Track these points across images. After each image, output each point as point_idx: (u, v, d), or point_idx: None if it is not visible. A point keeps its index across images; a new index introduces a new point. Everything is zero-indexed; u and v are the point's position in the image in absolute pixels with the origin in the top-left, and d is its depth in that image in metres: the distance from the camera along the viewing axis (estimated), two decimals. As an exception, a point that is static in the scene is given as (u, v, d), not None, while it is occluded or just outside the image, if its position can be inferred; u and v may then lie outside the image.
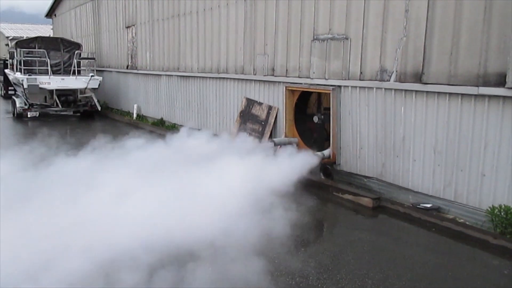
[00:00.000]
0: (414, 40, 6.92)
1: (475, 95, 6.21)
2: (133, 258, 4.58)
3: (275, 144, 8.99)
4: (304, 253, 5.33)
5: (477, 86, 6.14)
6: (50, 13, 27.35)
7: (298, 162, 7.83)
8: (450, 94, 6.51)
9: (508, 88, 5.81)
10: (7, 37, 44.13)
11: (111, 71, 19.46)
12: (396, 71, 7.23)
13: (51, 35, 24.30)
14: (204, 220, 5.38)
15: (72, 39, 20.81)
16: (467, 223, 6.35)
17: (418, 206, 6.92)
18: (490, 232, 5.83)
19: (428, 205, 6.87)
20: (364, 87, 7.79)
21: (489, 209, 6.05)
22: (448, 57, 6.49)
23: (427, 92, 6.81)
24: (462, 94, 6.36)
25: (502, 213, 5.90)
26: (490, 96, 6.04)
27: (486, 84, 6.06)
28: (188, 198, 5.73)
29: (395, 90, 7.28)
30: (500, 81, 5.91)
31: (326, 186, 8.08)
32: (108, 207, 5.32)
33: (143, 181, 6.09)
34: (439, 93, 6.65)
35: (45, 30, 39.38)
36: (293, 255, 5.22)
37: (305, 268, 4.90)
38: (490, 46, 6.00)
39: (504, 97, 5.89)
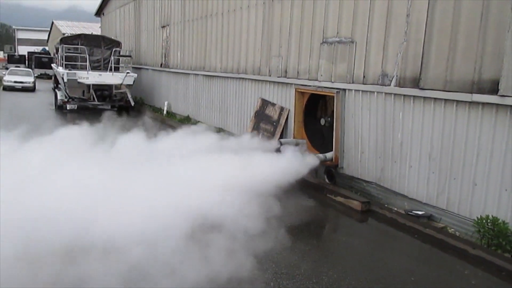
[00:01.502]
0: (414, 45, 6.84)
1: (469, 102, 6.07)
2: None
3: (281, 144, 9.07)
4: (274, 251, 5.28)
5: (471, 93, 6.01)
6: (99, 12, 28.75)
7: (297, 162, 7.89)
8: (446, 100, 6.40)
9: (501, 96, 5.66)
10: (63, 34, 46.64)
11: (147, 69, 20.20)
12: (397, 76, 7.17)
13: (94, 33, 25.40)
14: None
15: (115, 37, 21.78)
16: (457, 233, 6.22)
17: (410, 213, 6.81)
18: (470, 242, 5.67)
19: (420, 213, 6.76)
20: (367, 91, 7.75)
21: (476, 219, 5.89)
22: (445, 62, 6.38)
23: (424, 97, 6.72)
24: (457, 101, 6.24)
25: (489, 224, 5.73)
26: (484, 104, 5.90)
27: (480, 91, 5.92)
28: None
29: (395, 94, 7.22)
30: (494, 88, 5.75)
31: (322, 188, 8.09)
32: None
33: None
34: (435, 99, 6.55)
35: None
36: (264, 253, 5.13)
37: (267, 264, 4.93)
38: (486, 52, 5.86)
39: (497, 105, 5.74)
